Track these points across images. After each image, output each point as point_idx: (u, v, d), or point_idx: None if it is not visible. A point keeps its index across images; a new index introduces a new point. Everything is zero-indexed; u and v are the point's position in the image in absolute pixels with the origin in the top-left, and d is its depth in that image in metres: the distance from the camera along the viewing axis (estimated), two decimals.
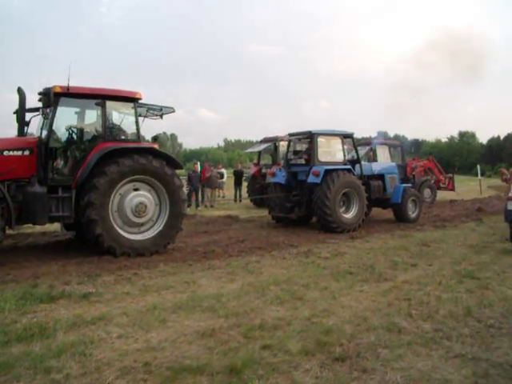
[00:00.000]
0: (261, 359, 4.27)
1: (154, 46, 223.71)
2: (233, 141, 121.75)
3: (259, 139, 23.57)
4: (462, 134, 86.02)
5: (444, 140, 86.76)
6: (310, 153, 12.98)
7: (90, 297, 6.33)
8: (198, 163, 22.00)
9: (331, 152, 13.16)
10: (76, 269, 7.93)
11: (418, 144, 75.94)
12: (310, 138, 13.01)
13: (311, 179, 12.37)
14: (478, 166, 31.29)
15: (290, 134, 14.64)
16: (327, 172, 12.31)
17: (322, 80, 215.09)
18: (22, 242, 10.86)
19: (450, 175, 24.17)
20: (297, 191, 13.22)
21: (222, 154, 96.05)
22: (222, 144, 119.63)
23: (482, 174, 29.54)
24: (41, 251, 9.63)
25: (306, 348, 4.53)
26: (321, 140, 12.93)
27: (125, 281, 7.22)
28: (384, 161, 17.94)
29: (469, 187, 29.50)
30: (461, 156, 74.73)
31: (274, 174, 13.79)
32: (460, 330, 5.06)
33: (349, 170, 12.84)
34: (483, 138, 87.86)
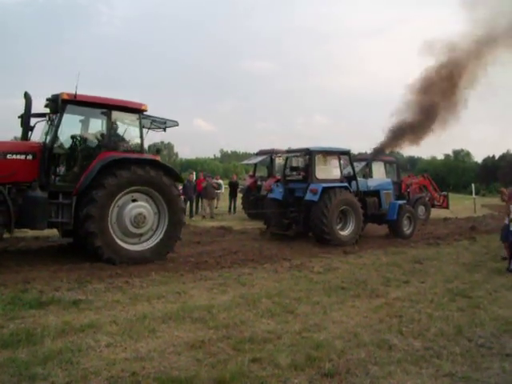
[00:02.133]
0: (250, 372, 4.23)
1: (151, 54, 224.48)
2: (229, 152, 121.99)
3: (255, 151, 23.62)
4: (457, 153, 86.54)
5: (439, 158, 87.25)
6: (308, 169, 13.02)
7: (80, 304, 6.27)
8: (194, 173, 22.00)
9: (328, 169, 13.20)
10: (67, 275, 7.85)
11: (413, 161, 76.34)
12: (308, 155, 13.04)
13: (309, 197, 12.39)
14: (473, 185, 31.43)
15: (288, 151, 14.68)
16: (325, 190, 12.35)
17: (319, 95, 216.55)
18: (13, 245, 10.76)
19: (445, 193, 24.27)
20: (294, 207, 13.21)
21: (218, 165, 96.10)
22: (218, 155, 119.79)
23: (477, 193, 29.66)
24: (32, 256, 9.54)
25: (296, 362, 4.49)
26: (318, 157, 12.96)
27: (115, 289, 7.16)
28: (379, 177, 18.00)
29: (463, 205, 29.61)
30: (456, 174, 75.08)
31: (271, 190, 13.81)
32: (450, 349, 5.04)
33: (346, 188, 12.89)
34: (478, 157, 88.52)
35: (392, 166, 20.76)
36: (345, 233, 12.79)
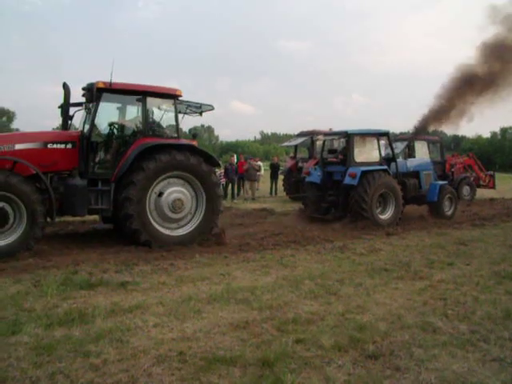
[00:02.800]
0: (293, 353, 4.29)
1: (184, 39, 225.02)
2: (269, 134, 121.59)
3: (296, 133, 23.50)
4: (504, 130, 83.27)
5: (485, 136, 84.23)
6: (346, 153, 12.87)
7: (127, 285, 6.49)
8: (235, 156, 22.14)
9: (367, 152, 12.98)
10: (114, 257, 8.13)
11: (457, 140, 74.07)
12: (347, 138, 12.89)
13: (348, 181, 12.26)
14: None
15: (326, 134, 14.53)
16: (364, 173, 12.19)
17: (357, 74, 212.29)
18: (63, 229, 11.20)
19: (491, 173, 23.50)
20: (332, 191, 13.11)
21: (258, 147, 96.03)
22: (258, 137, 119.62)
23: None
24: (80, 239, 9.91)
25: (339, 344, 4.52)
26: (356, 140, 12.78)
27: (161, 271, 7.37)
28: (422, 157, 17.58)
29: (510, 185, 28.61)
30: (503, 153, 72.40)
31: (309, 173, 13.73)
32: (498, 333, 4.93)
33: (385, 171, 12.68)
34: None
35: (435, 145, 20.27)
36: (384, 216, 12.62)
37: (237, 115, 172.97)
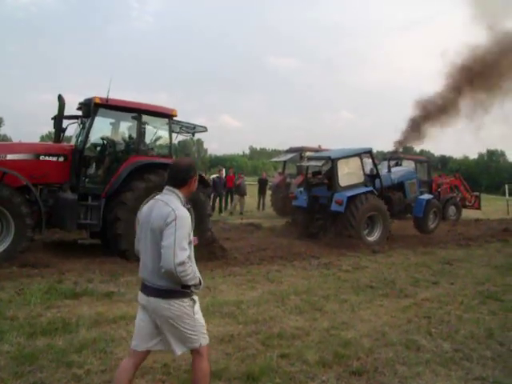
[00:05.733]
0: (278, 368, 4.30)
1: (175, 53, 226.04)
2: (258, 149, 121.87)
3: (284, 148, 23.65)
4: (491, 152, 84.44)
5: (472, 157, 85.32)
6: (330, 176, 12.91)
7: (113, 296, 6.46)
8: (224, 169, 22.19)
9: (351, 173, 12.98)
10: (99, 267, 8.08)
11: (444, 160, 74.91)
12: (330, 162, 12.90)
13: (334, 207, 12.23)
14: (506, 186, 30.62)
15: (309, 158, 14.60)
16: (350, 199, 12.21)
17: (345, 91, 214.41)
18: (49, 238, 11.08)
19: (477, 193, 23.79)
20: (320, 215, 13.13)
21: (246, 162, 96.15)
22: (247, 151, 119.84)
23: (510, 194, 28.81)
24: (66, 248, 9.80)
25: (324, 359, 4.54)
26: (340, 163, 12.79)
27: None
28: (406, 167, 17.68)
29: (495, 206, 28.91)
30: (489, 174, 73.37)
31: (295, 197, 13.75)
32: (481, 352, 4.99)
33: (371, 192, 12.72)
34: None
35: (423, 165, 20.53)
36: (373, 238, 12.65)
37: (226, 129, 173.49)
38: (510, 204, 27.04)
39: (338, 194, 12.33)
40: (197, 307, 3.28)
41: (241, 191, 20.84)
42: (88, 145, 9.39)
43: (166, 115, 9.91)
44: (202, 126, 11.28)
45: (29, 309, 5.66)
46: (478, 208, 23.07)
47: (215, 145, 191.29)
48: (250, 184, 25.73)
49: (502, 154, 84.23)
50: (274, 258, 9.80)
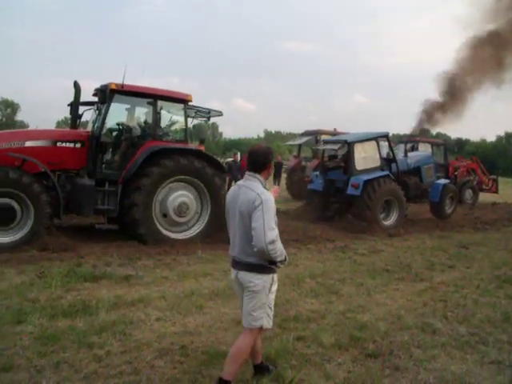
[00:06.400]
0: (294, 350, 4.36)
1: (189, 35, 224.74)
2: (273, 132, 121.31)
3: (299, 131, 23.56)
4: (509, 135, 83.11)
5: (490, 140, 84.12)
6: (347, 160, 12.85)
7: (131, 279, 6.57)
8: (239, 153, 22.20)
9: (368, 157, 12.87)
10: (117, 251, 8.18)
11: (461, 143, 73.94)
12: (347, 146, 12.82)
13: (350, 191, 12.17)
14: None
15: (325, 142, 14.50)
16: (366, 183, 12.15)
17: (359, 75, 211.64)
18: (66, 223, 11.23)
19: (494, 177, 23.47)
20: (335, 198, 13.11)
21: None
22: (262, 135, 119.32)
23: None
24: (84, 233, 9.93)
25: (340, 342, 4.58)
26: (357, 147, 12.71)
27: (164, 265, 7.44)
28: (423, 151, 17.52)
29: None
30: (506, 157, 72.33)
31: (310, 181, 13.71)
32: (497, 336, 5.00)
33: (387, 176, 12.64)
34: None
35: (439, 148, 20.26)
36: (389, 222, 12.58)
37: (240, 113, 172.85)
38: None
39: (354, 177, 12.27)
40: (274, 287, 3.60)
41: None
42: (104, 131, 9.45)
43: (181, 100, 9.92)
44: (217, 111, 11.29)
45: (50, 291, 5.79)
46: (496, 192, 22.76)
47: (230, 128, 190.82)
48: None
49: None
50: (289, 242, 9.78)
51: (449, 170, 19.65)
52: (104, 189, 9.11)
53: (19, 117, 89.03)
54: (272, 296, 3.59)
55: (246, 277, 3.49)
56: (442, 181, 14.80)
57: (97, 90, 9.52)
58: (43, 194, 8.29)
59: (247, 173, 3.62)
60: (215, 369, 3.92)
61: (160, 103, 9.64)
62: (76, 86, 9.53)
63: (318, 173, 13.74)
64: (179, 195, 9.43)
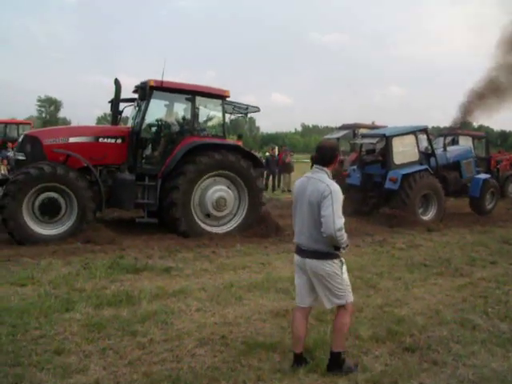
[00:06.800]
0: (331, 342, 4.40)
1: (223, 30, 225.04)
2: (310, 126, 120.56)
3: (336, 125, 23.40)
4: None
5: None
6: (385, 153, 12.72)
7: (171, 271, 6.76)
8: (276, 147, 22.25)
9: (406, 151, 12.69)
10: (158, 244, 8.42)
11: (504, 136, 71.63)
12: (385, 140, 12.64)
13: (388, 185, 12.06)
14: None
15: (363, 135, 14.38)
16: (404, 177, 12.00)
17: (395, 67, 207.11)
18: (107, 216, 11.58)
19: None
20: (373, 193, 13.01)
21: (298, 139, 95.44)
22: (299, 129, 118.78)
23: None
24: (125, 226, 10.22)
25: (377, 335, 4.61)
26: (395, 141, 12.54)
27: (203, 258, 7.61)
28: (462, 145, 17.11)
29: None
30: None
31: (348, 175, 13.63)
32: None
33: (425, 170, 12.43)
34: None
35: (481, 141, 19.73)
36: (427, 217, 12.38)
37: (276, 107, 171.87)
38: None
39: (392, 171, 12.15)
40: (344, 268, 3.88)
41: (288, 168, 20.85)
42: (144, 127, 9.69)
43: (219, 96, 10.06)
44: (254, 106, 11.38)
45: (95, 282, 6.04)
46: None
47: (267, 122, 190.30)
48: (304, 161, 25.61)
49: None
50: None
51: (491, 164, 19.13)
52: (144, 183, 9.35)
53: (62, 114, 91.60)
54: (345, 276, 3.89)
55: (316, 264, 3.76)
56: (483, 175, 14.42)
57: (137, 86, 9.78)
58: (87, 188, 8.59)
59: (315, 166, 3.89)
60: (254, 358, 4.04)
61: (198, 99, 9.80)
62: (116, 83, 9.79)
63: (355, 167, 13.65)
64: (217, 189, 9.58)
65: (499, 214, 13.96)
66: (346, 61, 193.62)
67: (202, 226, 9.52)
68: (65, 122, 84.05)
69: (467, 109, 15.54)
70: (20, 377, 3.59)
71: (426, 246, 9.16)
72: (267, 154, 21.16)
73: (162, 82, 9.29)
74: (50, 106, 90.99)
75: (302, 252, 3.86)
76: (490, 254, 8.74)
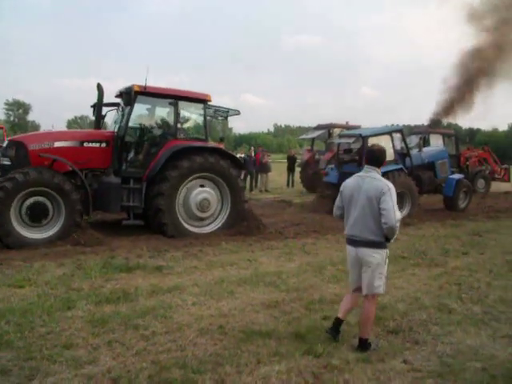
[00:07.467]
0: (322, 328, 4.76)
1: (195, 32, 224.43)
2: (283, 126, 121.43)
3: (309, 125, 23.88)
4: None
5: (502, 129, 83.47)
6: (361, 153, 13.15)
7: (163, 269, 7.02)
8: (253, 148, 22.59)
9: None
10: (146, 244, 8.63)
11: (472, 133, 73.54)
12: (361, 140, 13.10)
13: None
14: None
15: (340, 135, 14.84)
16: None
17: (367, 68, 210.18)
18: (90, 218, 11.68)
19: (506, 166, 23.61)
20: None
21: (271, 140, 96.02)
22: (271, 129, 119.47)
23: None
24: (111, 227, 10.39)
25: None
26: (371, 141, 13.01)
27: (191, 256, 7.88)
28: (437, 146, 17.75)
29: None
30: None
31: (326, 173, 14.07)
32: (509, 314, 5.38)
33: (400, 170, 12.91)
34: None
35: (450, 138, 20.47)
36: (401, 214, 12.85)
37: (249, 107, 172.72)
38: None
39: None
40: (387, 259, 4.40)
41: (266, 169, 21.24)
42: (128, 131, 9.85)
43: (201, 100, 10.33)
44: (235, 110, 11.69)
45: (91, 281, 6.26)
46: (508, 180, 22.90)
47: (239, 123, 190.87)
48: (279, 161, 26.01)
49: None
50: (308, 232, 10.24)
51: (460, 161, 19.86)
52: (129, 186, 9.54)
53: (31, 117, 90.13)
54: (386, 267, 4.41)
55: (368, 252, 4.27)
56: (457, 176, 14.98)
57: (122, 92, 9.94)
58: (74, 192, 8.73)
59: (368, 166, 4.43)
60: (252, 344, 4.37)
61: (181, 103, 10.05)
62: (99, 88, 9.96)
63: (333, 166, 14.12)
64: (201, 191, 9.84)
65: (470, 209, 14.58)
66: (317, 62, 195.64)
67: (188, 227, 9.77)
68: (33, 125, 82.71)
69: (444, 107, 16.15)
70: (35, 369, 3.82)
71: (402, 240, 9.60)
72: (242, 155, 21.45)
73: (145, 87, 9.49)
74: (18, 109, 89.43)
75: (355, 242, 4.38)
76: (462, 245, 9.27)
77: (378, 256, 4.26)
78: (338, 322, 4.51)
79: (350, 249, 4.50)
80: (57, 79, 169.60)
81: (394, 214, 4.10)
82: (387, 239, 4.29)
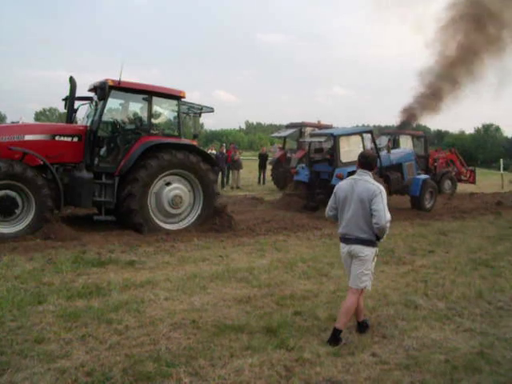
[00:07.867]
0: (293, 323, 4.89)
1: (166, 27, 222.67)
2: (254, 123, 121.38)
3: (280, 123, 24.08)
4: (486, 127, 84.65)
5: (468, 132, 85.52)
6: (332, 153, 13.38)
7: (135, 264, 7.03)
8: (224, 145, 22.62)
9: (352, 151, 13.33)
10: (117, 239, 8.61)
11: (441, 135, 75.22)
12: (333, 139, 13.33)
13: (335, 181, 12.65)
14: (501, 160, 31.17)
15: (312, 134, 15.02)
16: (350, 174, 12.60)
17: (338, 68, 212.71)
18: (61, 213, 11.53)
19: (472, 168, 24.28)
20: (320, 190, 13.63)
21: (242, 137, 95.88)
22: (243, 126, 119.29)
23: (505, 169, 29.39)
24: (81, 222, 10.27)
25: (333, 316, 5.08)
26: (342, 140, 13.23)
27: (163, 252, 7.90)
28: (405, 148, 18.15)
29: (490, 181, 29.49)
30: (484, 149, 73.69)
31: (296, 172, 14.25)
32: (471, 310, 5.61)
33: None
34: (509, 131, 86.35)
35: (419, 139, 20.95)
36: None
37: (221, 104, 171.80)
38: (504, 178, 27.61)
39: (338, 168, 12.83)
40: (376, 257, 4.67)
41: (237, 166, 21.34)
42: (101, 126, 9.75)
43: (175, 97, 10.32)
44: (208, 107, 11.69)
45: (62, 276, 6.22)
46: (473, 182, 23.56)
47: (211, 120, 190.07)
48: (250, 159, 26.11)
49: (497, 128, 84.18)
50: (279, 229, 10.36)
51: (429, 161, 20.34)
52: (101, 181, 9.44)
53: None
54: (373, 264, 4.66)
55: (359, 248, 4.52)
56: (423, 176, 15.37)
57: (96, 86, 9.80)
58: (45, 186, 8.61)
59: (360, 170, 4.71)
60: (225, 338, 4.44)
61: (155, 99, 10.01)
62: (72, 81, 9.80)
63: (304, 165, 14.28)
64: (173, 188, 9.84)
65: (436, 209, 14.99)
66: (289, 60, 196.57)
67: (162, 225, 9.75)
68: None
69: (409, 111, 16.54)
70: (6, 364, 3.80)
71: None
72: (213, 151, 21.47)
73: (119, 81, 9.41)
74: None
75: (348, 240, 4.60)
76: (428, 244, 9.55)
77: (368, 252, 4.52)
78: (359, 324, 4.82)
79: (342, 246, 4.72)
80: (22, 70, 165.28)
81: (385, 214, 4.33)
82: (378, 238, 4.53)
